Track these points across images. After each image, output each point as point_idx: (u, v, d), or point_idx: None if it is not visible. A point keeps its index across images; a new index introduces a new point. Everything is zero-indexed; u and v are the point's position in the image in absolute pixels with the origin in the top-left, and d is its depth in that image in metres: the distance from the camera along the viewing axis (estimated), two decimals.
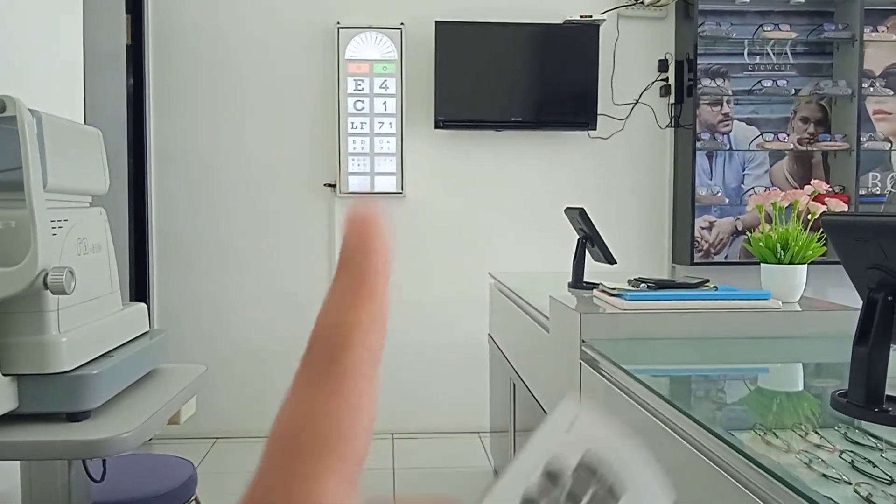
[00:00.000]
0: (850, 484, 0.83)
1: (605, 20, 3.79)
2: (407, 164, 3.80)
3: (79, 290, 1.17)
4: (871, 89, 3.85)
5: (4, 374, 1.12)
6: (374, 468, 3.43)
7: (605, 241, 2.36)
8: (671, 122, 3.94)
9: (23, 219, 1.12)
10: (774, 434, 1.00)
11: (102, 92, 3.35)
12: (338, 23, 3.74)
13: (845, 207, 1.99)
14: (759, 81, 3.85)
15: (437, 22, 3.68)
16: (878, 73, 3.91)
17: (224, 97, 3.78)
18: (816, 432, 1.01)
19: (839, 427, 1.02)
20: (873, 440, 0.97)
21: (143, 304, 1.51)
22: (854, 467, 0.88)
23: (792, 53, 3.92)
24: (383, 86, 3.76)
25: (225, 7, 3.76)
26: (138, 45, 3.66)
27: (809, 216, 1.91)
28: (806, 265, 1.88)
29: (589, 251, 2.40)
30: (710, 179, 3.91)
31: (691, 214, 3.77)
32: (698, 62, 3.76)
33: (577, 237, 2.43)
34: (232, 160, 3.80)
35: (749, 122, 3.92)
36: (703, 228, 3.89)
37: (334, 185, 3.80)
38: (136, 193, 3.66)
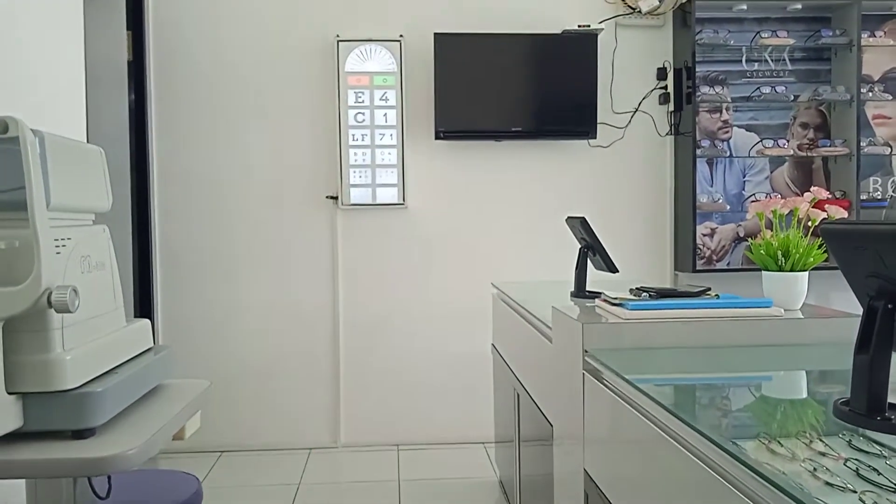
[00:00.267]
0: (856, 492, 0.83)
1: (602, 29, 3.81)
2: (408, 175, 3.81)
3: (83, 307, 1.17)
4: (870, 94, 3.86)
5: (10, 393, 1.12)
6: (380, 480, 3.42)
7: (607, 250, 2.36)
8: (671, 129, 3.95)
9: (26, 238, 1.13)
10: (779, 442, 1.00)
11: (104, 109, 3.37)
12: (337, 36, 3.76)
13: (845, 214, 1.99)
14: (758, 88, 3.86)
15: (436, 34, 3.70)
16: (876, 78, 3.93)
17: (225, 112, 3.80)
18: (821, 440, 1.01)
19: (843, 435, 1.02)
20: (878, 448, 0.97)
21: (146, 321, 1.52)
22: (859, 475, 0.88)
23: (790, 60, 3.93)
24: (383, 98, 3.78)
25: (225, 22, 3.79)
26: (140, 61, 3.68)
27: (810, 223, 1.92)
28: (807, 272, 1.88)
29: (591, 260, 2.41)
30: (711, 186, 3.91)
31: (693, 221, 3.77)
32: (697, 70, 3.77)
33: (579, 246, 2.43)
34: (234, 174, 3.82)
35: (748, 128, 3.93)
36: (704, 235, 3.90)
37: (336, 197, 3.81)
38: (139, 209, 3.68)
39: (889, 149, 3.90)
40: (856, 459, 0.92)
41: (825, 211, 1.92)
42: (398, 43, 3.77)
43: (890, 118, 3.92)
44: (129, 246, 3.56)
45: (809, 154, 3.91)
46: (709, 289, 1.90)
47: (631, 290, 1.91)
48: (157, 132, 3.77)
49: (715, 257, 3.91)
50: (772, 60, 3.92)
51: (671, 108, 3.92)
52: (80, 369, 1.18)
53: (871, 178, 3.92)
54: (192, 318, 3.81)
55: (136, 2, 3.64)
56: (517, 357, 2.69)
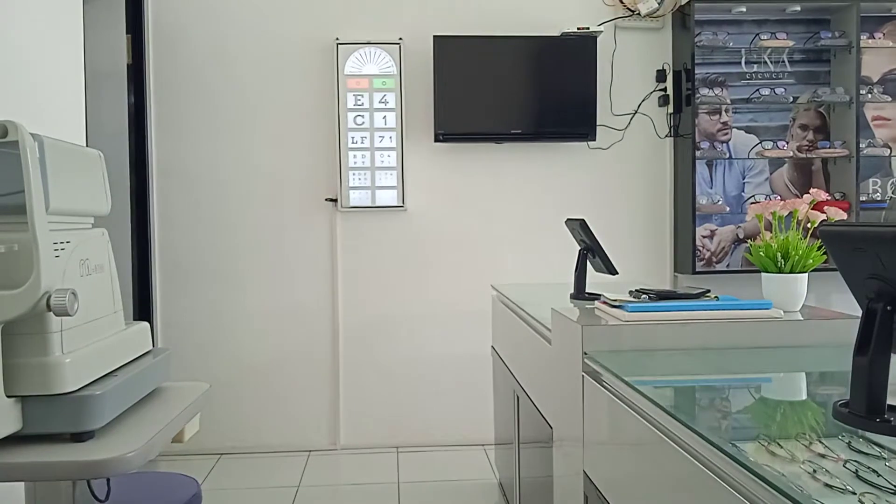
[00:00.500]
0: (855, 494, 0.83)
1: (602, 32, 3.81)
2: (407, 177, 3.81)
3: (81, 311, 1.17)
4: (870, 96, 3.87)
5: (9, 396, 1.12)
6: (379, 482, 3.42)
7: (607, 252, 2.36)
8: (670, 131, 3.95)
9: (25, 241, 1.13)
10: (778, 444, 1.00)
11: (104, 112, 3.37)
12: (337, 39, 3.77)
13: (844, 216, 1.99)
14: (757, 90, 3.87)
15: (435, 36, 3.70)
16: (875, 80, 3.93)
17: (224, 115, 3.80)
18: (820, 442, 1.01)
19: (843, 436, 1.02)
20: (878, 449, 0.97)
21: (145, 324, 1.52)
22: (858, 477, 0.88)
23: (789, 61, 3.93)
24: (383, 100, 3.78)
25: (224, 25, 3.79)
26: (139, 64, 3.69)
27: (809, 224, 1.92)
28: (807, 274, 1.88)
29: (590, 262, 2.41)
30: (711, 188, 3.91)
31: (692, 223, 3.77)
32: (696, 72, 3.78)
33: (579, 248, 2.43)
34: (233, 177, 3.82)
35: (748, 130, 3.94)
36: (704, 237, 3.90)
37: (335, 200, 3.81)
38: (138, 212, 3.68)
39: (888, 150, 3.90)
40: (855, 461, 0.92)
41: (824, 213, 1.92)
42: (398, 46, 3.77)
43: (889, 120, 3.93)
44: (129, 249, 3.56)
45: (809, 156, 3.91)
46: (708, 291, 1.90)
47: (630, 292, 1.91)
48: (156, 135, 3.78)
49: (714, 259, 3.91)
50: (771, 62, 3.93)
51: (670, 109, 3.92)
52: (79, 372, 1.18)
53: (871, 180, 3.93)
54: (191, 321, 3.81)
55: (135, 5, 3.65)
56: (517, 359, 2.69)
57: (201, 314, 3.82)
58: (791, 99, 3.88)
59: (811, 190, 2.01)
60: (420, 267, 3.90)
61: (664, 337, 1.67)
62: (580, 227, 2.38)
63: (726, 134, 3.93)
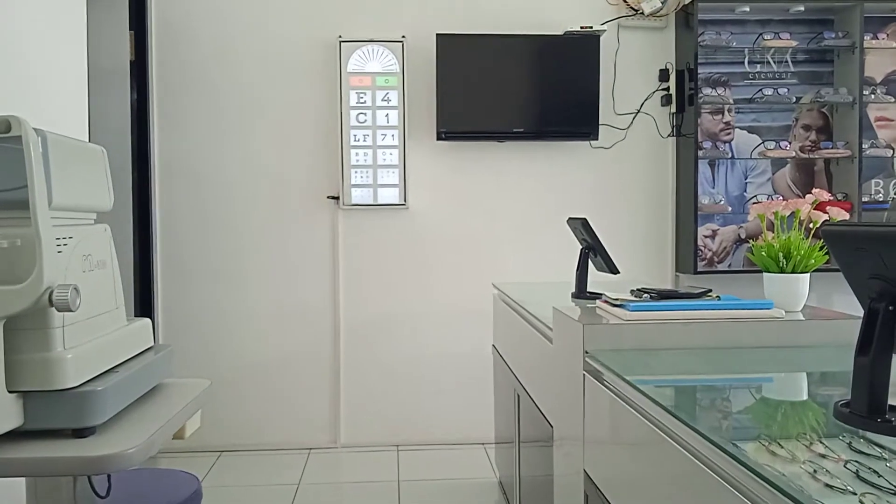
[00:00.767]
0: (855, 494, 0.83)
1: (605, 31, 3.81)
2: (409, 175, 3.81)
3: (84, 306, 1.18)
4: (873, 96, 3.86)
5: (10, 391, 1.13)
6: (380, 480, 3.42)
7: (608, 251, 2.36)
8: (673, 131, 3.95)
9: (28, 237, 1.13)
10: (779, 444, 1.00)
11: (107, 108, 3.37)
12: (339, 36, 3.76)
13: (847, 215, 1.99)
14: (760, 90, 3.86)
15: (438, 34, 3.70)
16: (878, 80, 3.92)
17: (227, 112, 3.81)
18: (821, 442, 1.01)
19: (844, 436, 1.02)
20: (878, 450, 0.97)
21: (147, 320, 1.52)
22: (859, 477, 0.88)
23: (792, 61, 3.93)
24: (385, 98, 3.78)
25: (227, 22, 3.79)
26: (142, 61, 3.69)
27: (811, 225, 1.91)
28: (808, 274, 1.88)
29: (592, 261, 2.41)
30: (713, 188, 3.91)
31: (694, 223, 3.77)
32: (699, 71, 3.77)
33: (580, 247, 2.43)
34: (235, 174, 3.82)
35: (751, 130, 3.93)
36: (706, 237, 3.89)
37: (337, 198, 3.81)
38: (140, 208, 3.68)
39: (891, 151, 3.90)
40: (856, 461, 0.92)
41: (827, 213, 1.92)
42: (400, 44, 3.77)
43: (892, 120, 3.92)
44: (130, 244, 3.56)
45: (811, 156, 3.90)
46: (710, 290, 1.90)
47: (632, 292, 1.91)
48: (158, 131, 3.78)
49: (716, 259, 3.91)
50: (774, 62, 3.92)
51: (673, 109, 3.92)
52: (80, 368, 1.18)
53: (873, 181, 3.92)
54: (192, 318, 3.81)
55: (138, 2, 3.65)
56: (518, 358, 2.69)
57: (202, 311, 3.82)
58: (794, 99, 3.88)
59: (813, 190, 2.00)
60: (421, 265, 3.90)
61: (665, 336, 1.67)
62: (582, 226, 2.38)
63: (729, 134, 3.92)
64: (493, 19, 3.83)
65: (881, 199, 3.92)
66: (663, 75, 3.93)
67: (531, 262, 3.87)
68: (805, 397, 1.45)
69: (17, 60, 1.96)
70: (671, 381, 1.55)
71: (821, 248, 1.85)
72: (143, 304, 3.69)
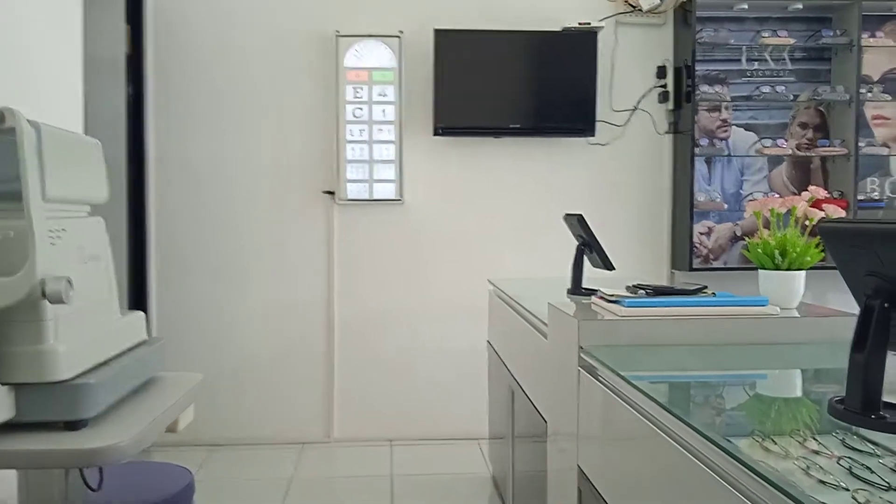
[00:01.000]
0: (848, 490, 0.83)
1: (603, 27, 3.80)
2: (406, 171, 3.80)
3: (77, 299, 1.17)
4: (870, 94, 3.87)
5: (2, 384, 1.12)
6: (373, 475, 3.42)
7: (604, 248, 2.36)
8: (670, 128, 3.95)
9: (21, 229, 1.13)
10: (772, 440, 1.00)
11: (102, 101, 3.35)
12: (337, 31, 3.75)
13: (843, 213, 1.99)
14: (758, 87, 3.86)
15: (435, 30, 3.69)
16: (876, 79, 3.93)
17: (223, 105, 3.79)
18: (814, 438, 1.01)
19: (837, 433, 1.02)
20: (871, 446, 0.97)
21: (141, 313, 1.51)
22: (852, 473, 0.88)
23: (790, 59, 3.93)
24: (382, 93, 3.77)
25: (224, 16, 3.78)
26: (138, 54, 3.67)
27: (807, 222, 1.92)
28: (804, 271, 1.88)
29: (587, 257, 2.41)
30: (709, 185, 3.91)
31: (690, 220, 3.77)
32: (696, 68, 3.77)
33: (576, 243, 2.43)
34: (231, 168, 3.81)
35: (747, 127, 3.93)
36: (701, 234, 3.90)
37: (333, 193, 3.81)
38: (134, 202, 3.66)
39: (887, 149, 3.90)
40: (849, 458, 0.92)
41: (823, 210, 1.92)
42: (397, 39, 3.76)
43: (889, 119, 3.93)
44: (124, 238, 3.54)
45: (808, 154, 3.91)
46: (705, 287, 1.90)
47: (627, 288, 1.91)
48: (154, 125, 3.76)
49: (712, 256, 3.91)
50: (772, 60, 3.92)
51: (670, 106, 3.92)
52: (73, 360, 1.18)
53: (869, 179, 3.93)
54: (186, 312, 3.80)
55: None
56: (512, 353, 2.69)
57: (196, 304, 3.81)
58: (791, 97, 3.88)
59: (809, 188, 2.00)
60: (417, 261, 3.89)
61: (660, 332, 1.67)
62: (578, 222, 2.38)
63: (726, 131, 3.92)
64: (490, 15, 3.82)
65: (877, 198, 3.93)
66: (661, 72, 3.93)
67: (527, 258, 3.87)
68: (799, 394, 1.45)
69: (13, 52, 1.95)
70: (666, 378, 1.55)
71: (816, 246, 1.85)
72: (137, 297, 3.68)
